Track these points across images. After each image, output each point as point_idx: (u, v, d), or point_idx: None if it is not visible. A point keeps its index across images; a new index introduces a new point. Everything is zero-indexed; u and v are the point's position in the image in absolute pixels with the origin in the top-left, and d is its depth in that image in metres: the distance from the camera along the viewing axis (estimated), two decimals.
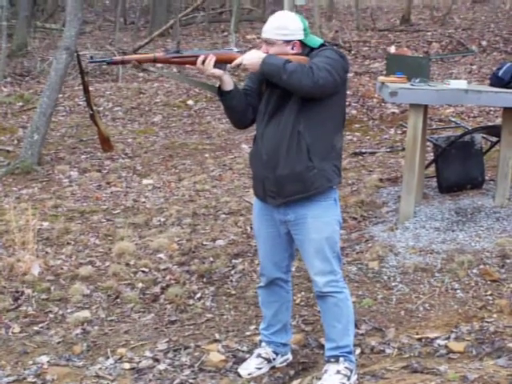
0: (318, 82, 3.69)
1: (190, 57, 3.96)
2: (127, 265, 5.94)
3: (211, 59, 3.89)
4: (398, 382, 3.87)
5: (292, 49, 3.91)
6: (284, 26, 3.88)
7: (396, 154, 8.97)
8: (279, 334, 4.34)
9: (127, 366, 4.44)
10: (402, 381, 3.88)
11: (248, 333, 4.80)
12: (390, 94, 6.01)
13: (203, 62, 3.89)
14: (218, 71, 3.91)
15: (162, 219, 7.06)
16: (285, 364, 4.38)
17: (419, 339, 4.54)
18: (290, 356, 4.42)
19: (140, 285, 5.60)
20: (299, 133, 3.84)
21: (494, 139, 7.27)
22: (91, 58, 4.15)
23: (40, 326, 5.07)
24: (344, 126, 4.11)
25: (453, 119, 9.81)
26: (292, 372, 4.31)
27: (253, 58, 3.82)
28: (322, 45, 3.97)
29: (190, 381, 4.23)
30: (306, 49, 3.94)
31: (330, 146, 3.93)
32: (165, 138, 10.75)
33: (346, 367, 4.01)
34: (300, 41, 3.92)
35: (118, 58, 4.11)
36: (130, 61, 4.02)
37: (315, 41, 3.97)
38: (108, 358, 4.56)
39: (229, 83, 3.96)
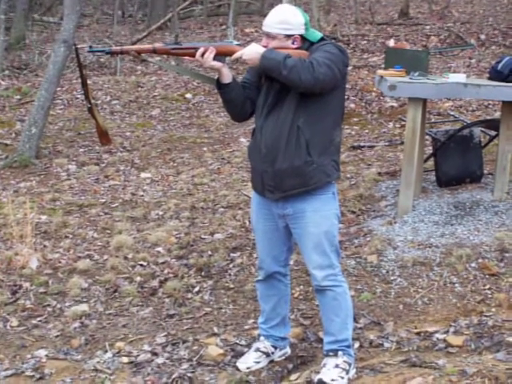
0: (319, 77, 3.68)
1: (190, 48, 3.94)
2: (125, 258, 5.94)
3: (211, 51, 3.88)
4: (397, 376, 3.87)
5: (293, 43, 3.90)
6: (285, 20, 3.86)
7: (395, 148, 8.95)
8: (278, 327, 4.34)
9: (125, 359, 4.44)
10: (400, 375, 3.88)
11: (246, 327, 4.80)
12: (388, 88, 6.00)
13: (203, 54, 3.88)
14: (217, 63, 3.89)
15: (161, 213, 7.05)
16: (283, 358, 4.38)
17: (418, 333, 4.54)
18: (288, 350, 4.42)
19: (138, 278, 5.60)
20: (298, 127, 3.83)
21: (493, 133, 7.25)
22: (90, 47, 4.13)
23: (38, 319, 5.06)
24: (343, 121, 4.10)
25: (451, 113, 9.80)
26: (290, 366, 4.30)
27: (252, 52, 3.81)
28: (322, 39, 3.96)
29: (189, 374, 4.22)
30: (306, 43, 3.93)
31: (328, 140, 3.92)
32: (163, 132, 10.74)
33: (344, 361, 4.01)
34: (301, 35, 3.90)
35: (117, 48, 4.07)
36: (129, 51, 4.00)
37: (315, 35, 3.96)
38: (106, 351, 4.55)
39: (227, 76, 3.95)
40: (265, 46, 3.87)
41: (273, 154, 3.88)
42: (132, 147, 9.85)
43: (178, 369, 4.29)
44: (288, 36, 3.88)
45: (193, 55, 3.93)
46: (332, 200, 4.00)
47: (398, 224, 6.08)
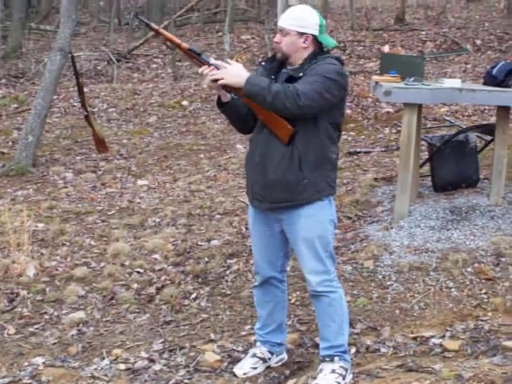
0: (304, 104, 3.68)
1: (201, 61, 3.95)
2: (122, 265, 5.94)
3: (211, 74, 3.88)
4: (393, 381, 3.87)
5: (304, 42, 3.90)
6: (301, 17, 3.89)
7: (391, 154, 8.97)
8: (274, 333, 4.34)
9: (123, 366, 4.44)
10: (397, 380, 3.88)
11: (243, 333, 4.80)
12: (384, 94, 6.01)
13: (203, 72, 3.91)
14: (213, 84, 3.91)
15: (157, 220, 7.06)
16: (280, 364, 4.38)
17: (414, 338, 4.54)
18: (285, 355, 4.42)
19: (135, 285, 5.60)
20: (293, 144, 3.84)
21: (489, 138, 7.27)
22: (136, 13, 4.17)
23: (35, 327, 5.06)
24: (340, 138, 4.10)
25: (447, 118, 9.82)
26: (287, 371, 4.31)
27: (234, 75, 3.79)
28: (328, 51, 3.97)
29: (186, 381, 4.23)
30: (319, 46, 3.94)
31: (323, 157, 3.93)
32: (160, 139, 10.75)
33: (341, 366, 4.02)
34: (313, 36, 3.92)
35: (155, 26, 4.10)
36: (162, 34, 4.08)
37: (329, 40, 3.97)
38: (103, 358, 4.55)
39: (226, 95, 3.96)
40: (277, 42, 3.92)
41: (265, 163, 3.90)
42: (129, 154, 9.86)
43: (175, 375, 4.29)
44: (301, 34, 3.89)
45: (200, 66, 3.96)
46: (327, 206, 4.01)
47: (394, 229, 6.08)
